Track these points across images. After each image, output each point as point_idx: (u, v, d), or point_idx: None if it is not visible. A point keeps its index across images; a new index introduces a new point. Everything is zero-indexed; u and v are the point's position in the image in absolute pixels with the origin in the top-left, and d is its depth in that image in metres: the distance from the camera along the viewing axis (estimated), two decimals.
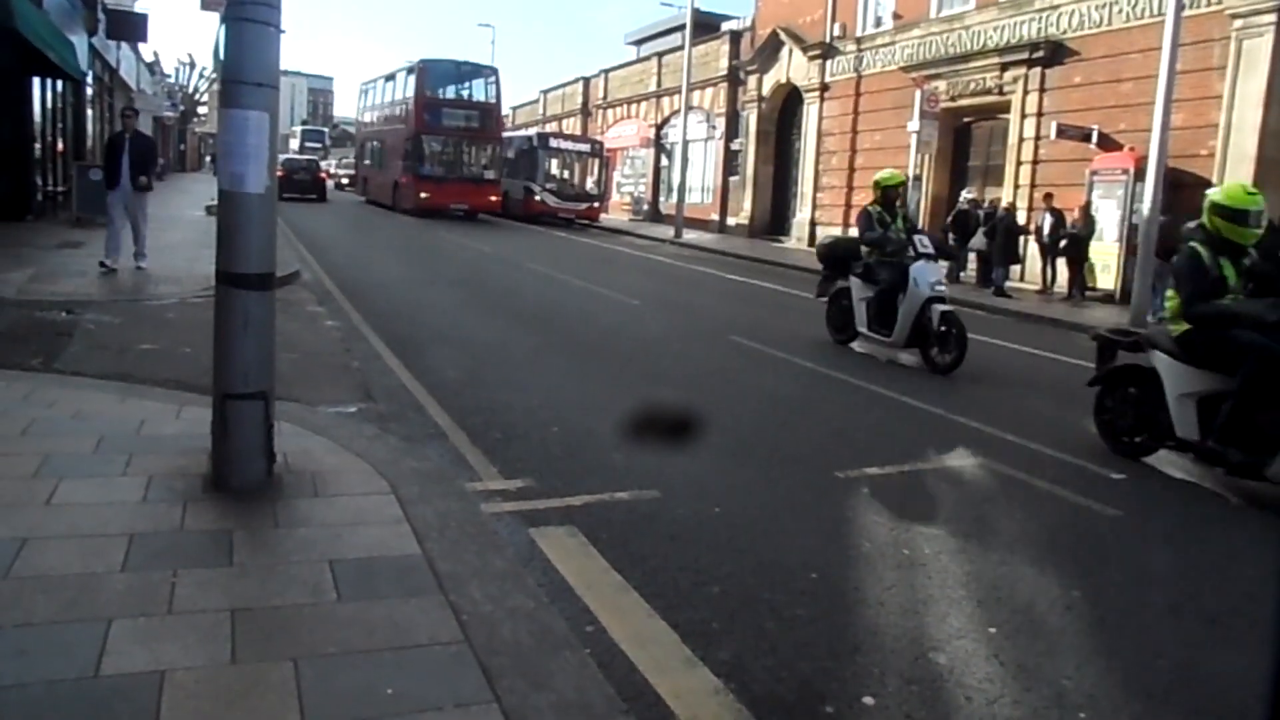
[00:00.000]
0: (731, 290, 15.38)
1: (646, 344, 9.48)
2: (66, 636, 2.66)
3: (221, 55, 3.91)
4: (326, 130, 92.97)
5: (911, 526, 4.38)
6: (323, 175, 34.89)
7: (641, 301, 12.44)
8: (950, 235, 16.75)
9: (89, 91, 20.85)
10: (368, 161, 34.43)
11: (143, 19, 23.78)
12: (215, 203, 4.14)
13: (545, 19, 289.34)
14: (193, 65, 48.19)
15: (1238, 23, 14.83)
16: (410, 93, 28.17)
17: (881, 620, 3.39)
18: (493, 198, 28.13)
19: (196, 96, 50.53)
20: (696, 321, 11.57)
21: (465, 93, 29.48)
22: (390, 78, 31.88)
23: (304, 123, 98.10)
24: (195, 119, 54.92)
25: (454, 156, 28.15)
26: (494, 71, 30.18)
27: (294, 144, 72.87)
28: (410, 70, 28.77)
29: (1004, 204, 17.50)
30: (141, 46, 31.69)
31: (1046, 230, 16.37)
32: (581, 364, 8.13)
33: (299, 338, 7.72)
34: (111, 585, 2.98)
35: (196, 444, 4.19)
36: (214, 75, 38.64)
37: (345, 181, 45.54)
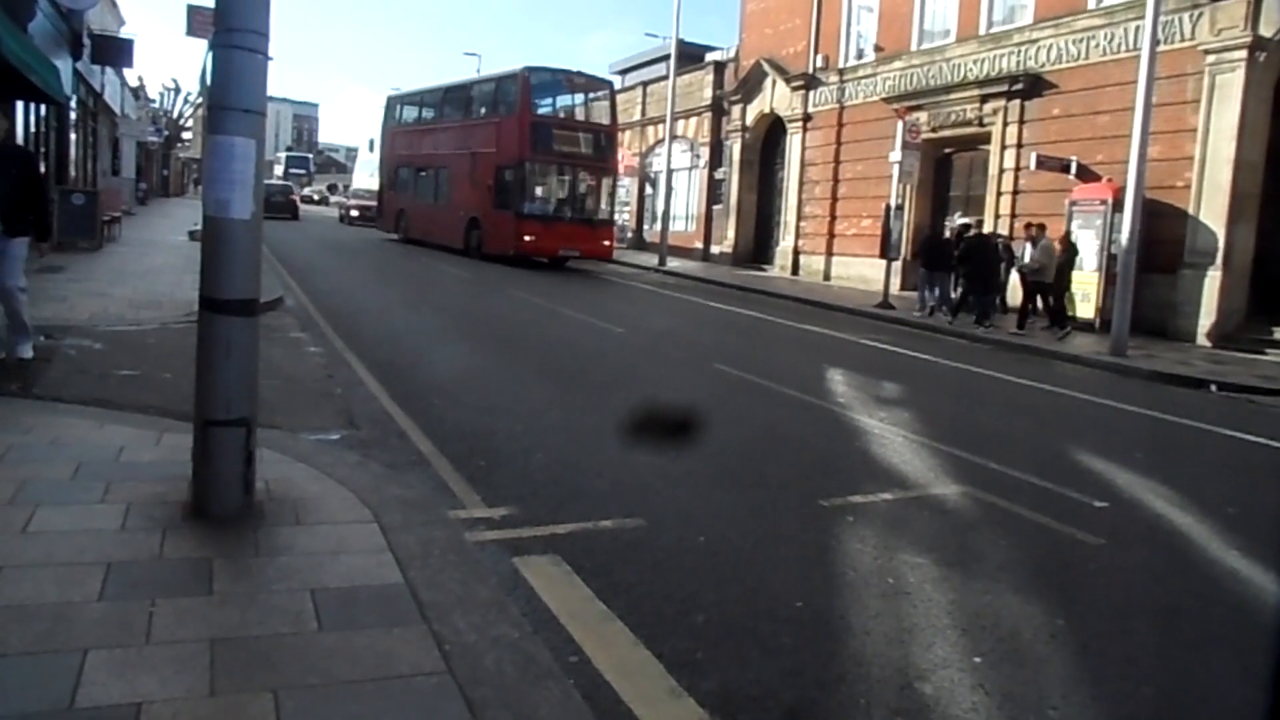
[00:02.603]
0: (715, 318, 15.42)
1: (631, 371, 9.49)
2: (41, 668, 2.61)
3: (208, 81, 3.92)
4: (310, 156, 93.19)
5: (896, 554, 4.38)
6: (294, 198, 39.87)
7: (626, 329, 12.46)
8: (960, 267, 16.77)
9: (73, 116, 20.77)
10: (408, 193, 27.15)
11: (128, 44, 23.80)
12: (199, 227, 4.13)
13: (532, 48, 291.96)
14: (178, 90, 48.24)
15: (1210, 58, 15.13)
16: (509, 109, 22.07)
17: (867, 649, 3.38)
18: (605, 242, 22.64)
19: (181, 121, 50.52)
20: (680, 349, 11.59)
21: (579, 111, 23.59)
22: (460, 89, 25.76)
23: (288, 149, 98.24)
24: (180, 144, 54.90)
25: (565, 190, 22.55)
26: (609, 85, 24.91)
27: (278, 170, 73.02)
28: (507, 79, 22.62)
29: (979, 232, 17.67)
30: (126, 71, 31.70)
31: (1027, 259, 16.52)
32: (565, 391, 8.12)
33: (282, 364, 7.68)
34: (88, 615, 2.94)
35: (177, 471, 4.15)
36: (199, 100, 38.69)
37: (355, 214, 38.50)
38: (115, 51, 23.17)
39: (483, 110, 23.91)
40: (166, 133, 48.48)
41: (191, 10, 20.62)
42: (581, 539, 4.21)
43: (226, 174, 3.83)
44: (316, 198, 65.63)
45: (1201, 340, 14.94)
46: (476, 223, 22.63)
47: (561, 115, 23.03)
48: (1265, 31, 14.48)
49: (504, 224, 21.28)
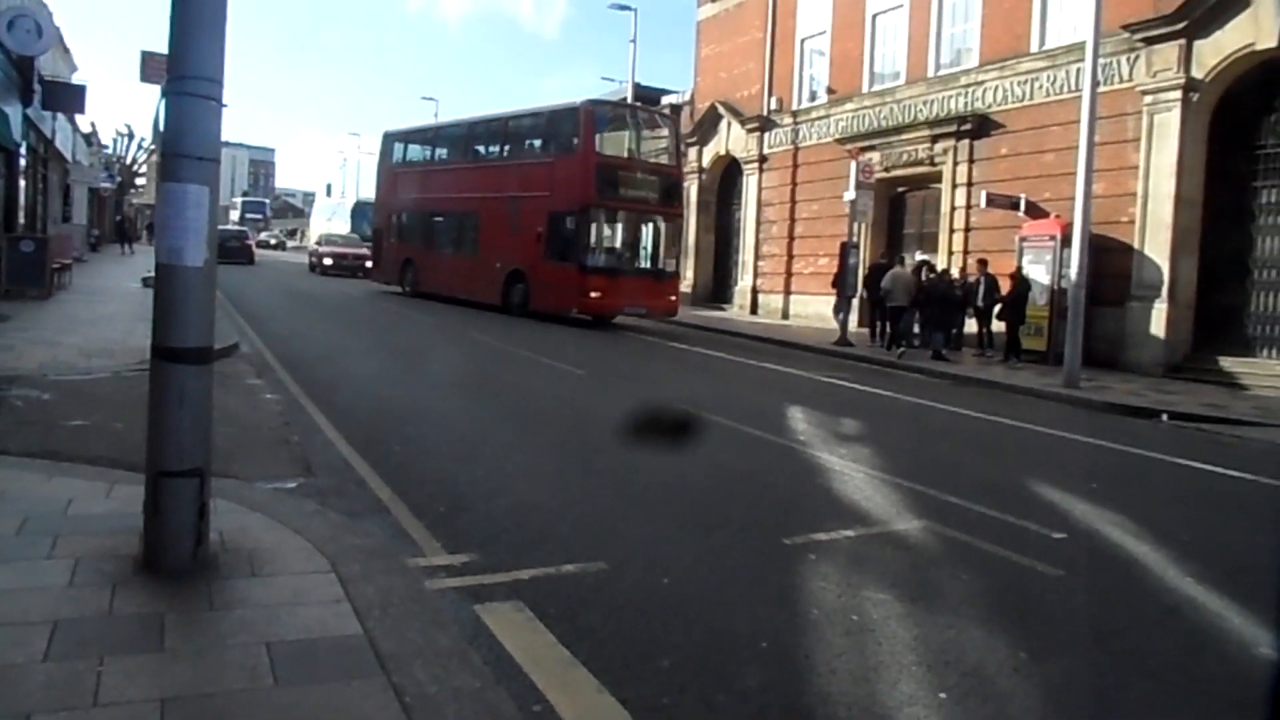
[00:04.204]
0: (676, 357, 15.48)
1: (592, 413, 9.47)
2: None
3: (161, 127, 3.89)
4: (267, 201, 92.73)
5: (859, 591, 4.39)
6: (250, 243, 39.09)
7: (587, 371, 12.45)
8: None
9: (22, 162, 20.49)
10: (417, 241, 24.34)
11: (80, 90, 23.57)
12: (152, 274, 4.08)
13: (489, 92, 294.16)
14: (131, 136, 47.83)
15: (1148, 98, 15.68)
16: (566, 146, 19.39)
17: (833, 688, 3.37)
18: (671, 297, 19.98)
19: (135, 167, 50.02)
20: (642, 390, 11.60)
21: (645, 150, 20.87)
22: (493, 123, 22.69)
23: (245, 193, 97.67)
24: (133, 190, 54.26)
25: (631, 241, 19.96)
26: (673, 122, 22.25)
27: (234, 215, 72.51)
28: (564, 113, 20.01)
29: (937, 270, 18.04)
30: (79, 117, 31.36)
31: (980, 294, 16.88)
32: (527, 434, 8.08)
33: (238, 411, 7.56)
34: (32, 677, 2.84)
35: (128, 524, 4.05)
36: (152, 146, 38.37)
37: (328, 263, 34.36)
38: (67, 97, 22.93)
39: (529, 148, 21.33)
40: (119, 179, 47.94)
41: (145, 56, 20.49)
42: (544, 584, 4.16)
43: (180, 221, 3.79)
44: (273, 242, 65.17)
45: (1150, 371, 15.29)
46: (520, 276, 19.92)
47: (626, 155, 20.26)
48: (1198, 74, 15.05)
49: (562, 278, 18.55)
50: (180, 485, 3.76)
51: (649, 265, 19.93)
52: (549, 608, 3.87)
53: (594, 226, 18.89)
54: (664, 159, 20.71)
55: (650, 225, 19.99)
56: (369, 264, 32.73)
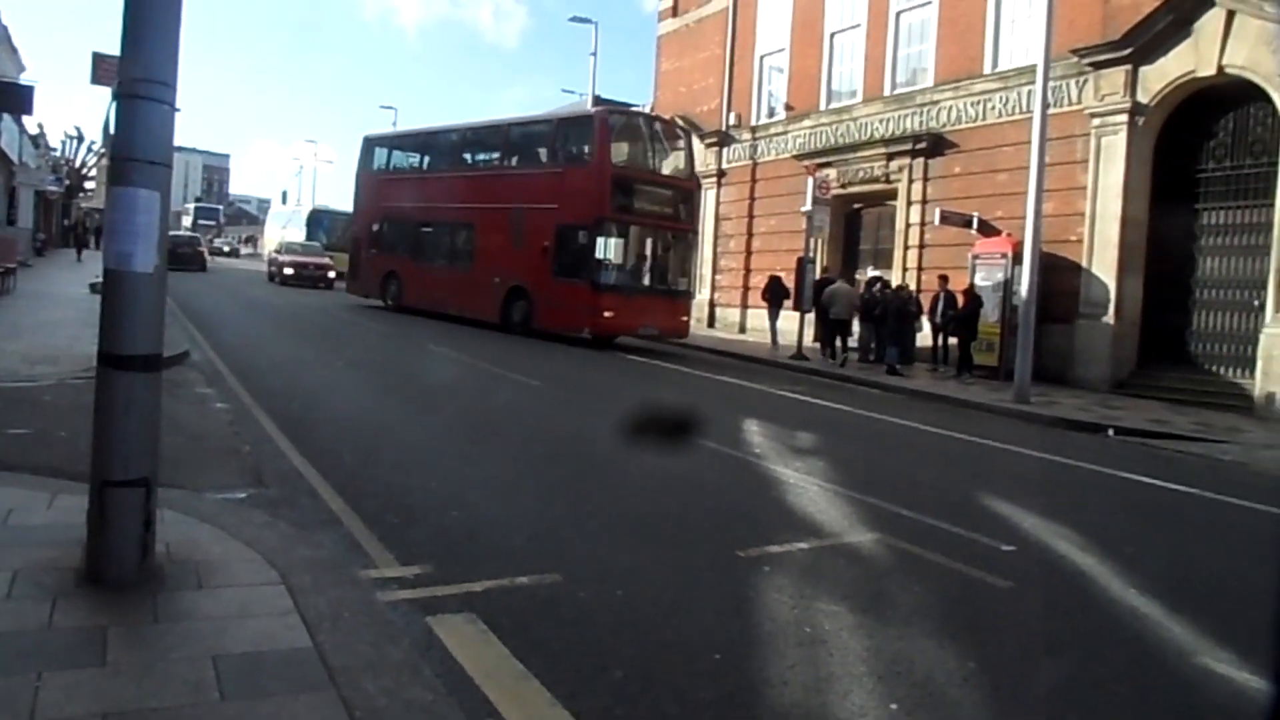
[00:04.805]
0: (634, 370, 15.49)
1: (548, 424, 9.45)
2: None
3: (112, 131, 3.83)
4: (221, 208, 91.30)
5: (813, 603, 4.42)
6: (202, 250, 38.77)
7: (542, 382, 12.42)
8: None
9: None
10: (401, 252, 22.96)
11: (28, 90, 23.00)
12: (100, 280, 4.00)
13: (447, 103, 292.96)
14: (80, 139, 46.80)
15: (1096, 121, 16.10)
16: (578, 157, 18.58)
17: (785, 700, 3.39)
18: (683, 318, 19.16)
19: (84, 171, 48.96)
20: (598, 401, 11.59)
21: (660, 163, 19.73)
22: (493, 130, 21.92)
23: (198, 199, 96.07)
24: (82, 194, 53.08)
25: (644, 257, 19.08)
26: (689, 134, 21.22)
27: (186, 221, 71.26)
28: (576, 121, 19.63)
29: (894, 285, 18.32)
30: (26, 118, 30.66)
31: (940, 310, 17.15)
32: (482, 445, 8.03)
33: (187, 420, 7.42)
34: None
35: (70, 535, 3.95)
36: (103, 150, 37.61)
37: (289, 272, 32.50)
38: (14, 98, 22.39)
39: (535, 156, 20.13)
40: (68, 182, 46.90)
41: (97, 58, 20.07)
42: (498, 596, 4.14)
43: (129, 226, 3.72)
44: (227, 249, 64.13)
45: (1097, 386, 15.63)
46: (522, 293, 18.83)
47: (641, 167, 19.17)
48: (1143, 98, 15.49)
49: (573, 296, 17.52)
50: (126, 495, 3.68)
51: (663, 283, 18.88)
52: (502, 620, 3.85)
53: (607, 241, 17.89)
54: (678, 171, 19.60)
55: (664, 241, 18.98)
56: (332, 274, 32.45)
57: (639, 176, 18.58)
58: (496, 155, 21.20)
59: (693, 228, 19.56)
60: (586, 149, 18.22)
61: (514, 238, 18.98)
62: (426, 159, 23.66)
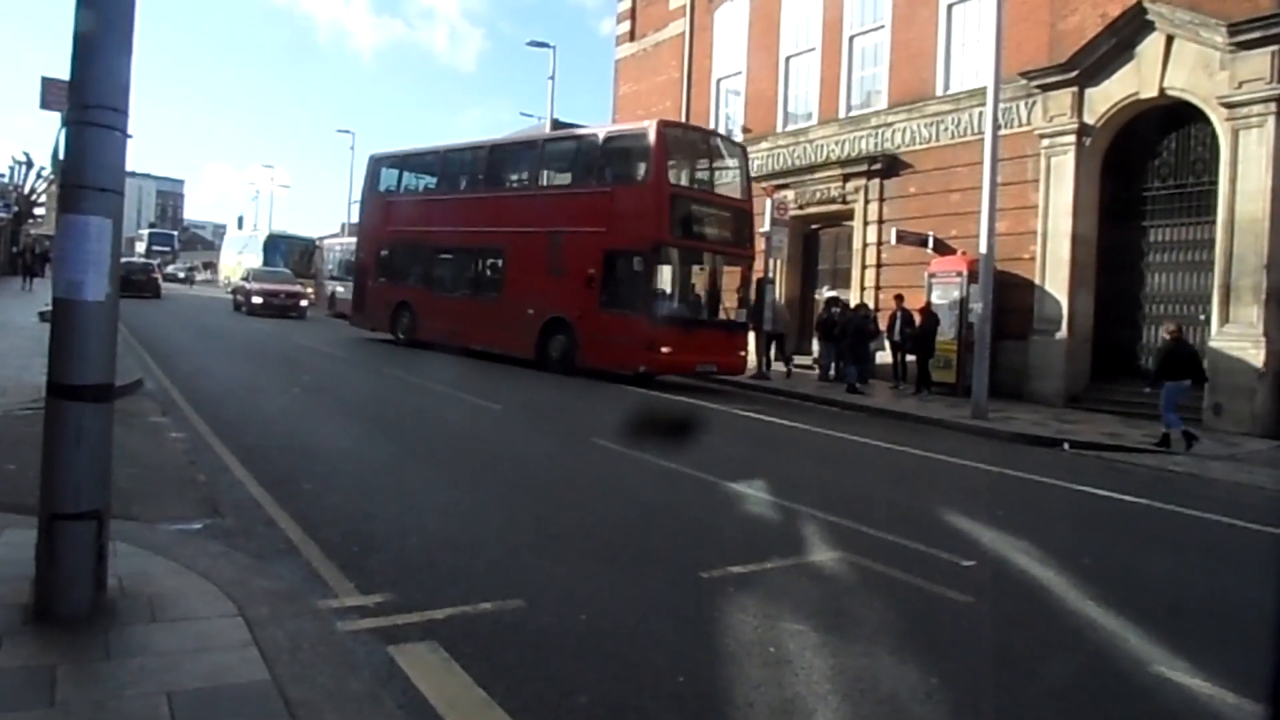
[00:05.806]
0: (595, 393, 15.46)
1: (509, 447, 9.40)
2: None
3: (62, 157, 3.77)
4: (175, 234, 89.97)
5: (776, 623, 4.43)
6: (156, 276, 38.10)
7: (503, 405, 12.36)
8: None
9: None
10: (415, 280, 20.98)
11: None
12: (49, 309, 3.92)
13: (405, 126, 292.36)
14: (29, 164, 45.88)
15: (1045, 141, 16.50)
16: (630, 175, 16.79)
17: None
18: (741, 352, 17.31)
19: (33, 197, 47.99)
20: (559, 423, 11.56)
21: (717, 181, 17.80)
22: (526, 146, 20.68)
23: (152, 225, 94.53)
24: (30, 220, 52.00)
25: (703, 286, 17.46)
26: (744, 150, 18.72)
27: (140, 247, 70.01)
28: (629, 136, 17.26)
29: (854, 304, 18.55)
30: None
31: (897, 328, 17.38)
32: (443, 470, 7.96)
33: (140, 451, 7.27)
34: None
35: (18, 570, 3.84)
36: (52, 176, 36.92)
37: (257, 301, 29.81)
38: None
39: (578, 174, 17.90)
40: (16, 208, 45.93)
41: (46, 82, 19.74)
42: (460, 623, 4.10)
43: (80, 254, 3.66)
44: (182, 275, 63.08)
45: (1053, 401, 15.91)
46: (563, 325, 16.80)
47: (699, 188, 17.46)
48: (1090, 119, 15.91)
49: (624, 330, 15.58)
50: (76, 528, 3.59)
51: (719, 316, 17.23)
52: (465, 647, 3.81)
53: (663, 269, 16.10)
54: (735, 191, 17.57)
55: (723, 268, 17.45)
56: (304, 302, 31.14)
57: (699, 196, 16.89)
58: (527, 174, 19.35)
59: (751, 254, 17.41)
60: (641, 165, 16.33)
61: (552, 265, 17.08)
62: (444, 179, 21.47)
